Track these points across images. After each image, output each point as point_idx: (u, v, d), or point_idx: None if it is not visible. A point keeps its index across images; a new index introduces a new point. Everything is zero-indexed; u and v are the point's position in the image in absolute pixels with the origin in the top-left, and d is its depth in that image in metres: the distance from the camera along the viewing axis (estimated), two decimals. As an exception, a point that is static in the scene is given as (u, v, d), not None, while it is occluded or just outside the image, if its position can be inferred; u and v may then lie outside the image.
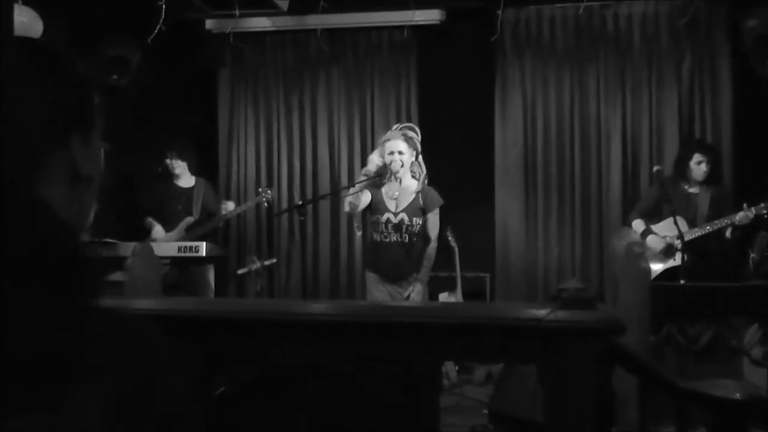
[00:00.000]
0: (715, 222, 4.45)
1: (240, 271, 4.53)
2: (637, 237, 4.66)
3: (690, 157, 4.66)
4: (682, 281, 4.02)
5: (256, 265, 4.41)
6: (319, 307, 2.12)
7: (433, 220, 4.04)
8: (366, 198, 4.07)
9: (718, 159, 4.81)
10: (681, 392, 2.34)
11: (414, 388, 2.15)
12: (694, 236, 4.44)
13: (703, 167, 4.61)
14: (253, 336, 2.03)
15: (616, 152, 5.52)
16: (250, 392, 2.12)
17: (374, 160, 4.04)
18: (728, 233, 4.51)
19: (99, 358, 0.52)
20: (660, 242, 4.59)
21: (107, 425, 0.52)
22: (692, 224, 4.53)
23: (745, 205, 4.38)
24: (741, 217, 4.36)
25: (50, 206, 0.59)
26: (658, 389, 2.32)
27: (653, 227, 4.70)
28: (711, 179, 4.66)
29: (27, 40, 0.77)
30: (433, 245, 4.04)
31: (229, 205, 5.31)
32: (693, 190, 4.67)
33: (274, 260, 4.77)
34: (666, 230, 4.59)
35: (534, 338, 1.93)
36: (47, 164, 0.72)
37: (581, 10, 5.46)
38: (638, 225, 4.75)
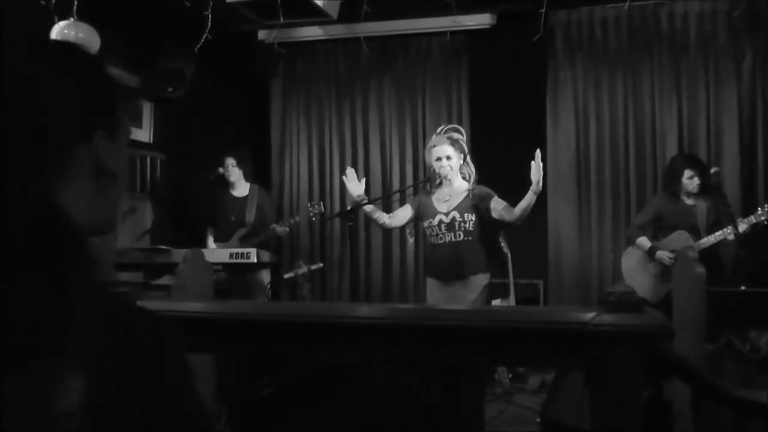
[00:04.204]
0: (718, 233, 4.44)
1: (287, 276, 4.57)
2: (646, 249, 4.69)
3: (681, 173, 4.67)
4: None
5: (303, 269, 4.44)
6: (358, 310, 2.12)
7: (498, 201, 3.92)
8: (405, 213, 4.13)
9: (706, 170, 4.70)
10: (738, 402, 2.24)
11: (456, 391, 2.12)
12: (700, 248, 4.37)
13: (696, 180, 4.62)
14: (297, 338, 2.05)
15: (672, 155, 5.36)
16: (293, 394, 2.13)
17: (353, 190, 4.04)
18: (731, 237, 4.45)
19: (83, 340, 0.55)
20: (670, 256, 4.53)
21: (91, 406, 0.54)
22: (696, 234, 4.54)
23: (739, 219, 4.41)
24: (743, 227, 4.35)
25: (54, 203, 0.63)
26: (713, 399, 2.22)
27: (660, 244, 4.68)
28: (704, 190, 4.63)
29: (53, 41, 0.80)
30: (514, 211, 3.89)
31: (279, 228, 5.29)
32: (690, 201, 4.67)
33: (321, 265, 4.79)
34: (673, 246, 4.54)
35: (578, 342, 1.88)
36: (71, 157, 0.75)
37: (627, 6, 5.29)
38: (644, 242, 4.73)
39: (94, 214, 0.77)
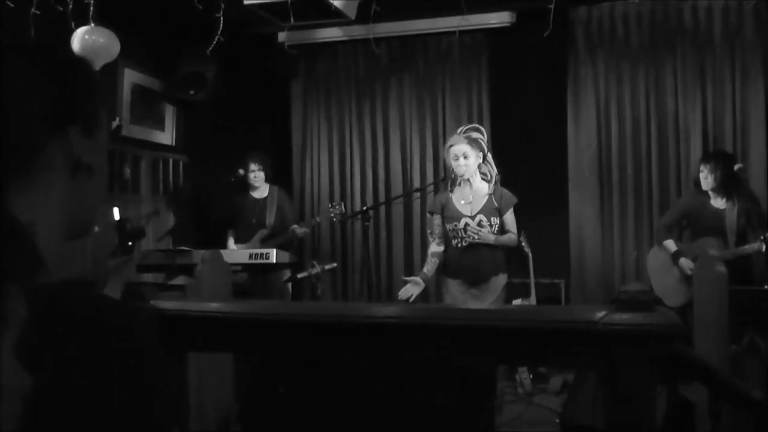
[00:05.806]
0: (747, 247, 4.29)
1: (300, 275, 4.59)
2: (670, 253, 4.60)
3: (699, 170, 4.56)
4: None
5: (317, 269, 4.45)
6: (364, 309, 2.12)
7: (510, 219, 4.02)
8: (438, 222, 4.10)
9: (725, 164, 4.51)
10: (754, 404, 2.19)
11: (464, 391, 2.11)
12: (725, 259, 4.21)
13: (707, 175, 4.46)
14: (304, 338, 2.05)
15: (696, 152, 5.26)
16: (302, 393, 2.14)
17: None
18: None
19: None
20: (691, 268, 4.36)
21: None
22: (723, 237, 4.40)
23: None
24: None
25: None
26: (728, 400, 2.18)
27: (686, 248, 4.58)
28: (730, 189, 4.46)
29: (21, 41, 0.81)
30: (512, 236, 4.01)
31: (298, 229, 5.29)
32: (719, 204, 4.49)
33: (335, 264, 4.80)
34: (699, 253, 4.41)
35: (587, 342, 1.86)
36: (42, 152, 0.75)
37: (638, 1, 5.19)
38: (670, 245, 4.63)
39: (70, 209, 0.77)
